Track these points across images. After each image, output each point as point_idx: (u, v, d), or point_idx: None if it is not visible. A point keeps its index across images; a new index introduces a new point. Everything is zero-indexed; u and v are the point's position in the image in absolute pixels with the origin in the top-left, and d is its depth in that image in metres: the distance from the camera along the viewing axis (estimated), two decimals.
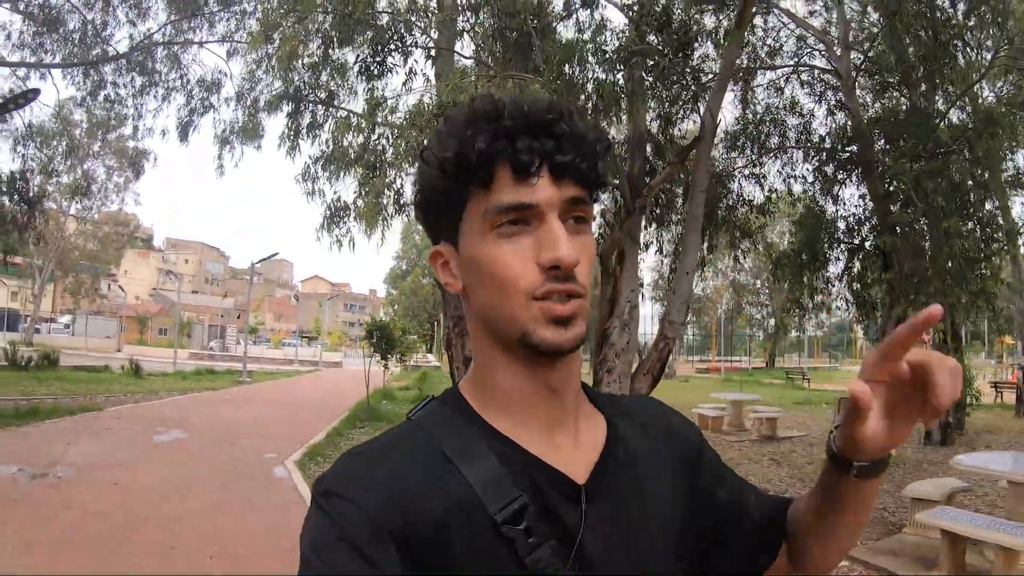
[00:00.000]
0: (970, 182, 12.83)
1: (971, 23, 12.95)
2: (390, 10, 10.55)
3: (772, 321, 56.12)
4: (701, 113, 10.21)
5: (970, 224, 13.15)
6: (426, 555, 0.80)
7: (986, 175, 13.52)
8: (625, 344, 8.92)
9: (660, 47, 9.46)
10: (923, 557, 6.72)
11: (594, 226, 0.96)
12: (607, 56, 9.20)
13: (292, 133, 11.25)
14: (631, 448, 1.00)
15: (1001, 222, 14.92)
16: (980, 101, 14.33)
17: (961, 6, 12.63)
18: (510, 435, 0.91)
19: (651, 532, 0.96)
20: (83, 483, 8.64)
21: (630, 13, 9.61)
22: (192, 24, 16.80)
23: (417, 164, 1.01)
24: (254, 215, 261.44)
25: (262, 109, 13.85)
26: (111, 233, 46.52)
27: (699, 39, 10.54)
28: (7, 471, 8.97)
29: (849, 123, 14.08)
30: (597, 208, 0.97)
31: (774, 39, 14.13)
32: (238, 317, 61.37)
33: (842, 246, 14.40)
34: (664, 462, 1.04)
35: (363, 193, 10.54)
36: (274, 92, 12.08)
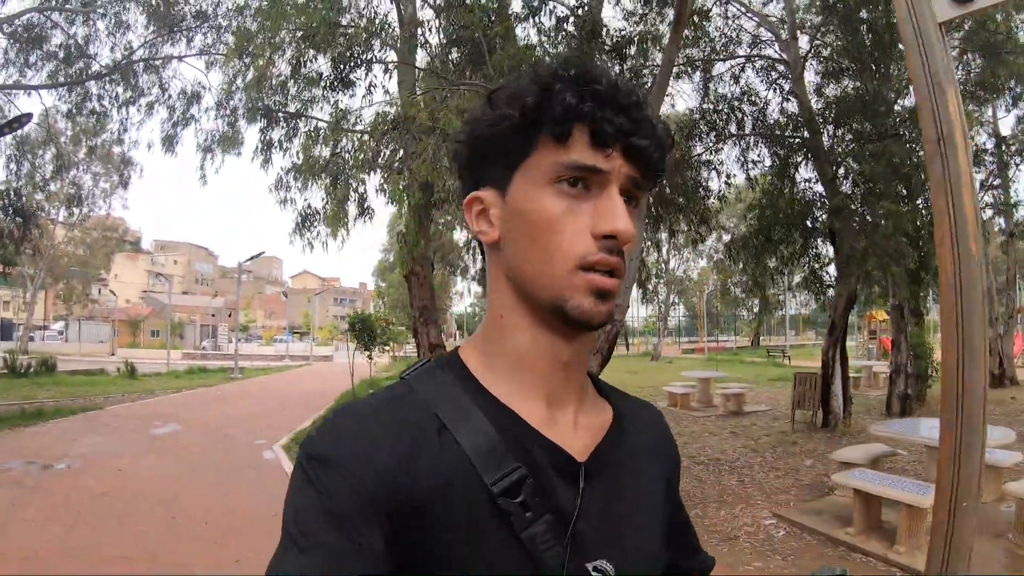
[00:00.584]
0: (908, 163, 13.66)
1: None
2: (351, 28, 11.46)
3: (756, 301, 57.08)
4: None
5: (915, 203, 14.02)
6: (416, 525, 0.79)
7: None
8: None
9: (596, 53, 10.28)
10: (842, 516, 7.34)
11: None
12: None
13: (265, 147, 12.18)
14: (632, 442, 1.01)
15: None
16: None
17: None
18: (509, 403, 0.90)
19: (641, 524, 0.96)
20: (89, 471, 9.61)
21: (563, 25, 10.44)
22: (171, 39, 17.60)
23: (480, 105, 0.96)
24: (242, 213, 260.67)
25: (241, 118, 14.65)
26: (100, 238, 46.94)
27: (632, 44, 11.32)
28: (21, 464, 9.97)
29: (798, 110, 14.94)
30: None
31: (730, 29, 14.96)
32: (229, 315, 62.04)
33: (795, 229, 15.17)
34: (656, 467, 1.05)
35: (329, 200, 11.51)
36: (249, 106, 12.94)
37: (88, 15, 16.98)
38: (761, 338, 62.51)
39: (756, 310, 56.84)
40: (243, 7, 13.79)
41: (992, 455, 7.62)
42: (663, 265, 36.11)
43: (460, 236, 22.48)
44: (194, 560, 6.02)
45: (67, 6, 16.80)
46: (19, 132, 17.96)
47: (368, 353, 18.89)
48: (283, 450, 11.39)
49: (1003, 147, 18.71)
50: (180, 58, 17.61)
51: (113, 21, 17.09)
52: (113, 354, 46.36)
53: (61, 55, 17.08)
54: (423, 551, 0.79)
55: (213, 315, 76.28)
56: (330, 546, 0.75)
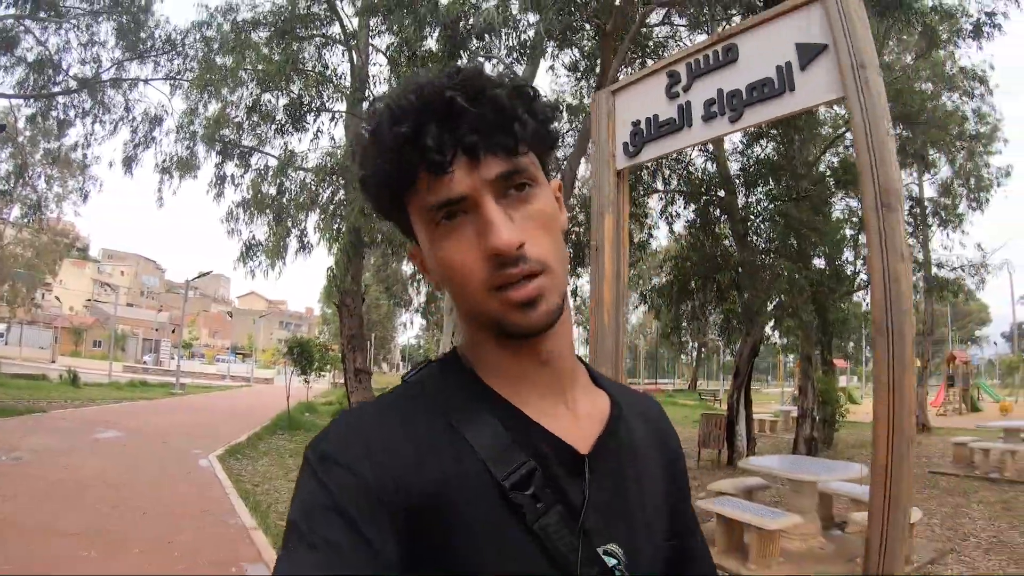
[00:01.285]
0: (808, 225, 15.16)
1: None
2: (304, 75, 12.79)
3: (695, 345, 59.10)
4: (562, 168, 12.57)
5: (809, 262, 15.56)
6: (428, 521, 0.79)
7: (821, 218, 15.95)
8: None
9: None
10: (711, 538, 7.82)
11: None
12: None
13: (218, 180, 13.36)
14: (632, 431, 1.02)
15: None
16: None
17: None
18: (511, 399, 0.92)
19: (646, 514, 0.98)
20: (39, 465, 10.63)
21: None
22: (139, 60, 18.61)
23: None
24: (194, 229, 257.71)
25: (200, 143, 15.60)
26: (49, 242, 46.90)
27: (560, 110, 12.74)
28: None
29: (716, 171, 16.42)
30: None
31: None
32: (173, 331, 62.30)
33: (710, 281, 16.43)
34: (658, 455, 1.06)
35: (271, 234, 12.76)
36: (207, 137, 14.06)
37: (60, 25, 17.93)
38: (699, 382, 64.34)
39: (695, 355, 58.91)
40: (210, 39, 14.95)
41: (846, 488, 8.81)
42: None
43: (407, 268, 23.51)
44: (133, 538, 7.16)
45: (40, 15, 17.73)
46: None
47: (304, 377, 19.67)
48: (217, 460, 12.42)
49: (922, 208, 20.70)
50: (146, 80, 18.59)
51: (85, 36, 18.16)
52: (54, 361, 46.97)
53: (30, 61, 17.95)
54: (437, 546, 0.80)
55: (157, 330, 76.16)
56: (340, 543, 0.75)
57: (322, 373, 20.78)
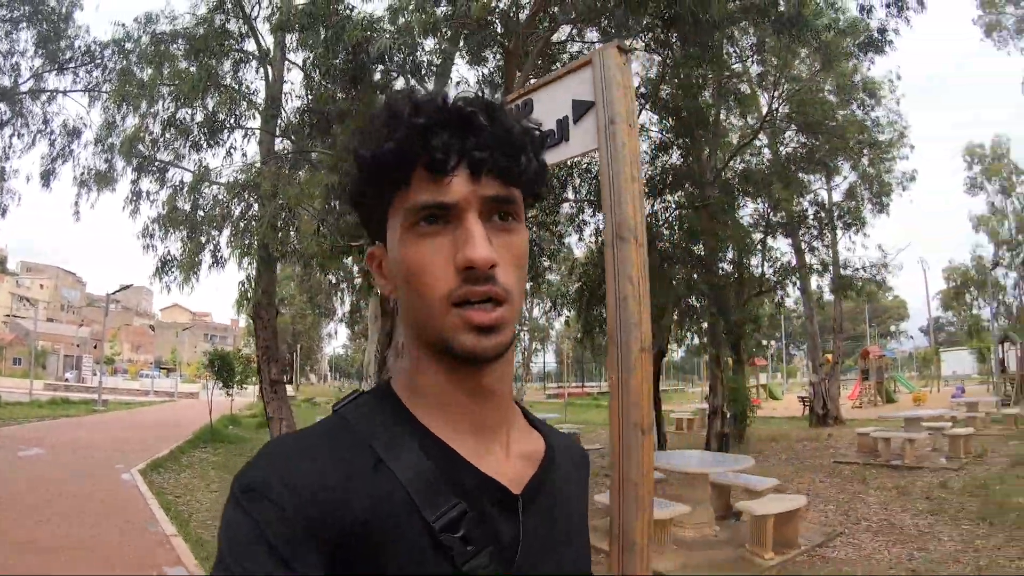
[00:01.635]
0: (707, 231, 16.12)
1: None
2: (217, 96, 13.26)
3: None
4: None
5: (710, 268, 16.53)
6: (355, 554, 0.79)
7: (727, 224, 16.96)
8: (401, 367, 11.69)
9: None
10: (604, 528, 8.98)
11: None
12: None
13: (134, 197, 13.74)
14: (563, 473, 1.02)
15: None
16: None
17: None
18: (442, 435, 0.90)
19: (574, 550, 1.00)
20: None
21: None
22: (59, 71, 18.76)
23: (351, 164, 0.92)
24: (113, 241, 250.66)
25: (117, 156, 15.69)
26: None
27: None
28: None
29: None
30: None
31: None
32: (95, 347, 61.50)
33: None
34: (581, 495, 1.09)
35: (185, 250, 13.18)
36: (124, 150, 14.33)
37: None
38: None
39: None
40: (128, 51, 15.26)
41: (743, 479, 9.63)
42: (525, 314, 38.32)
43: (332, 278, 23.83)
44: (62, 547, 7.60)
45: None
46: None
47: (226, 390, 20.05)
48: (139, 474, 12.82)
49: (829, 213, 22.03)
50: (65, 92, 18.75)
51: (5, 44, 18.34)
52: None
53: None
54: None
55: (78, 345, 74.91)
56: (265, 574, 0.74)
57: (244, 385, 21.02)
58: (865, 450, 15.48)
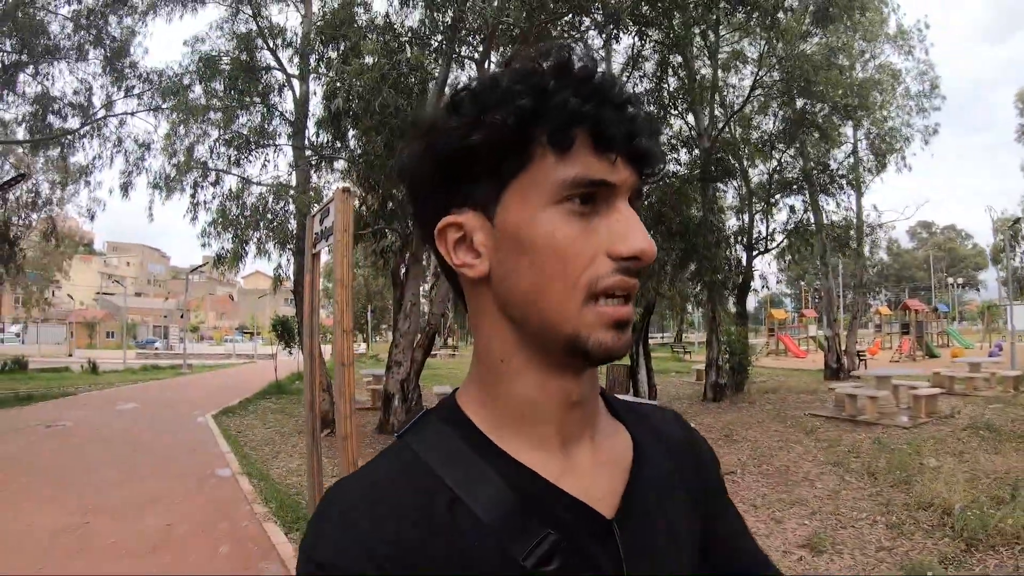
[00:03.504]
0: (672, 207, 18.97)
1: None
2: (250, 119, 17.05)
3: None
4: None
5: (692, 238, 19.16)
6: None
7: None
8: (407, 328, 15.11)
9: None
10: None
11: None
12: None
13: (193, 207, 17.48)
14: (658, 469, 0.94)
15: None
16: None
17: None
18: (523, 458, 0.82)
19: (679, 566, 0.90)
20: (77, 429, 14.98)
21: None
22: (125, 97, 22.40)
23: (441, 112, 0.82)
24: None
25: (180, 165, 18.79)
26: (48, 234, 50.06)
27: None
28: (34, 424, 15.38)
29: None
30: None
31: None
32: (181, 317, 66.79)
33: None
34: (686, 486, 0.97)
35: (235, 244, 16.88)
36: (183, 164, 17.90)
37: (53, 63, 21.69)
38: (684, 335, 68.43)
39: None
40: (181, 78, 18.85)
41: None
42: None
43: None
44: (147, 465, 11.41)
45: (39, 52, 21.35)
46: None
47: (289, 350, 23.46)
48: (211, 418, 16.72)
49: (830, 174, 23.42)
50: (132, 113, 22.30)
51: (78, 72, 22.11)
52: (71, 355, 50.87)
53: (32, 99, 21.88)
54: None
55: (165, 316, 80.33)
56: None
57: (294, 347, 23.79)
58: (840, 404, 15.97)
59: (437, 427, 0.86)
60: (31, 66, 21.72)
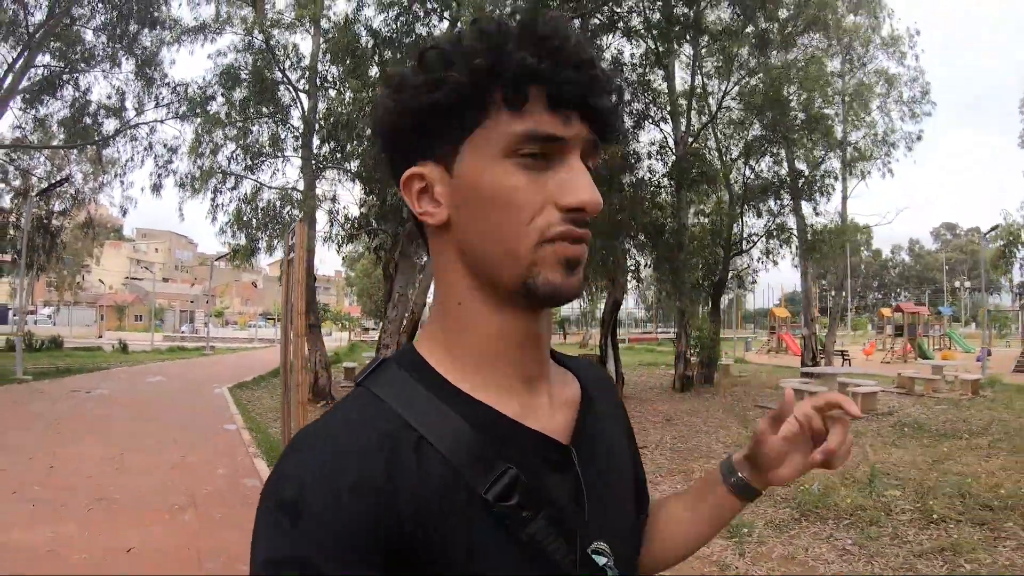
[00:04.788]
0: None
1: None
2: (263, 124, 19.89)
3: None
4: None
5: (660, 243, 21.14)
6: (409, 553, 0.76)
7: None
8: (394, 315, 17.74)
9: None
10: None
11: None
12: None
13: (213, 209, 20.01)
14: (599, 408, 1.03)
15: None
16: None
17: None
18: (483, 398, 0.88)
19: (623, 490, 1.03)
20: (113, 396, 17.94)
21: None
22: (155, 107, 25.13)
23: (409, 68, 0.88)
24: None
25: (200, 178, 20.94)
26: (90, 231, 53.20)
27: None
28: (75, 391, 18.38)
29: None
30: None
31: None
32: (207, 302, 70.00)
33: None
34: (619, 425, 1.10)
35: (245, 244, 19.67)
36: (206, 169, 20.39)
37: (89, 70, 24.61)
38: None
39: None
40: (208, 98, 21.39)
41: None
42: None
43: None
44: (171, 420, 14.22)
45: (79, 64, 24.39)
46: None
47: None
48: (227, 390, 19.62)
49: (808, 181, 24.90)
50: (162, 121, 24.92)
51: (113, 81, 25.12)
52: (100, 336, 54.72)
53: (73, 105, 24.78)
54: None
55: (192, 301, 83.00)
56: None
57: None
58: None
59: (396, 372, 0.88)
60: (69, 73, 24.68)
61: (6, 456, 9.94)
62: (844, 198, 30.99)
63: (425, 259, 18.59)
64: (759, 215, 25.57)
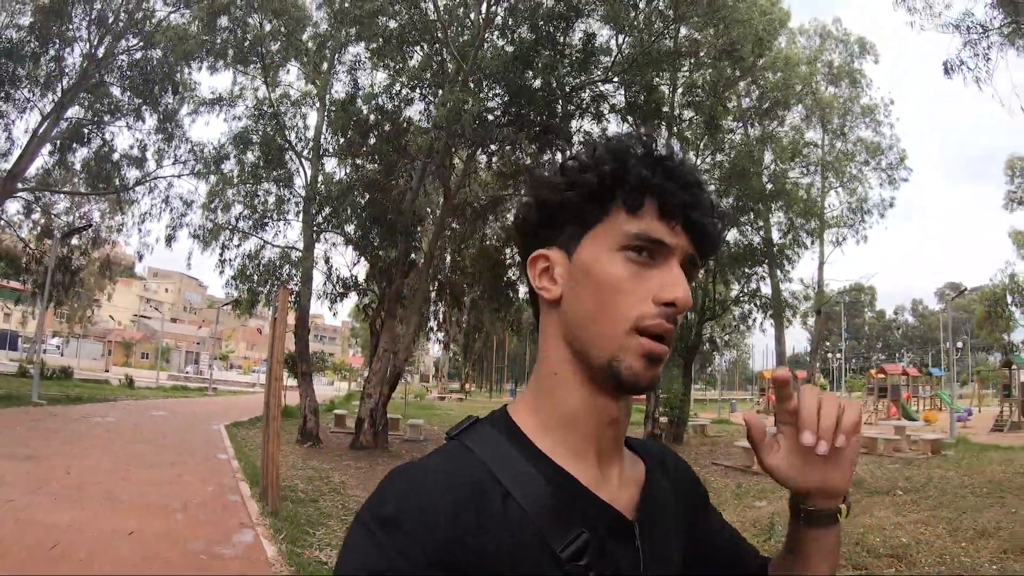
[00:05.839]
0: None
1: None
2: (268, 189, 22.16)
3: None
4: (426, 249, 21.27)
5: None
6: None
7: None
8: (378, 368, 19.71)
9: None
10: None
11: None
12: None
13: (220, 263, 22.12)
14: (662, 488, 1.10)
15: None
16: None
17: None
18: (561, 462, 0.95)
19: (676, 567, 1.07)
20: (120, 423, 20.05)
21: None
22: (173, 163, 27.42)
23: (551, 172, 1.03)
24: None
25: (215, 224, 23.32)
26: (103, 268, 55.15)
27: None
28: (85, 417, 20.43)
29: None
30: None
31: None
32: (213, 345, 71.84)
33: None
34: (678, 505, 1.14)
35: (247, 297, 21.89)
36: (214, 227, 22.67)
37: (113, 121, 27.03)
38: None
39: None
40: (222, 158, 23.47)
41: None
42: None
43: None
44: (172, 451, 16.22)
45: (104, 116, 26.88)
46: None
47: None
48: (223, 426, 21.62)
49: (771, 252, 27.20)
50: (179, 176, 27.30)
51: (135, 133, 27.45)
52: (107, 371, 56.31)
53: (96, 155, 27.09)
54: None
55: (198, 343, 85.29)
56: None
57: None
58: (745, 456, 17.55)
59: (487, 430, 0.98)
60: (96, 125, 27.11)
61: (31, 462, 11.96)
62: (821, 264, 32.86)
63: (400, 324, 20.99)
64: (736, 282, 27.59)
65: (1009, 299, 43.73)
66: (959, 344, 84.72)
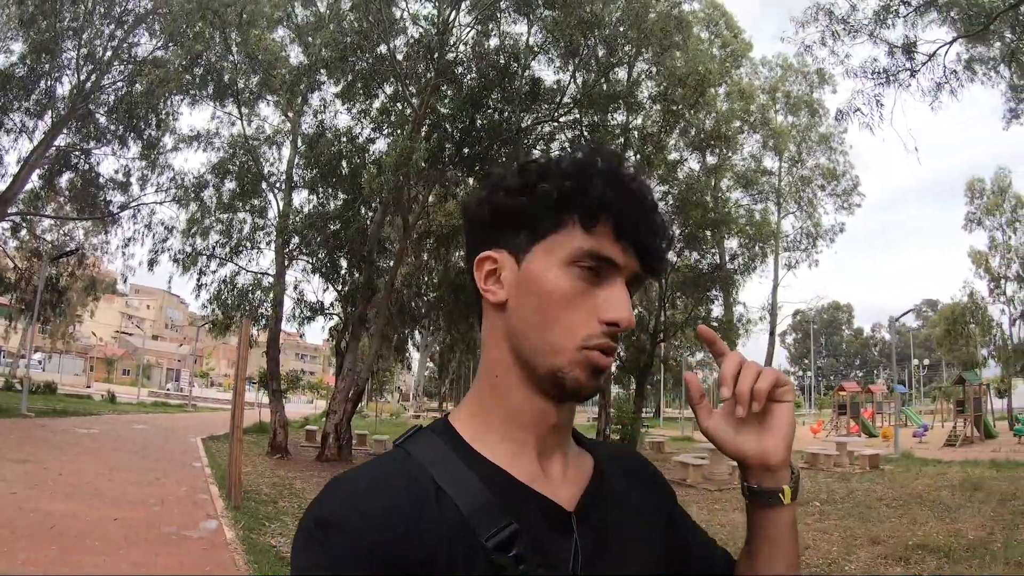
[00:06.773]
0: None
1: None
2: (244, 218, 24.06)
3: None
4: (387, 279, 22.87)
5: None
6: None
7: None
8: (343, 386, 21.46)
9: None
10: None
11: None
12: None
13: (197, 287, 24.05)
14: (614, 486, 1.10)
15: None
16: None
17: None
18: (500, 462, 0.98)
19: (635, 563, 1.05)
20: (104, 435, 21.75)
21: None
22: (155, 191, 29.08)
23: (510, 173, 1.04)
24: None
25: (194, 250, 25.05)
26: (88, 285, 55.88)
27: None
28: (68, 430, 22.10)
29: None
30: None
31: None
32: (194, 362, 72.68)
33: None
34: (643, 507, 1.14)
35: (221, 318, 23.75)
36: (193, 253, 24.45)
37: (98, 147, 28.65)
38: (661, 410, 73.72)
39: None
40: (202, 186, 25.38)
41: None
42: None
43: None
44: (153, 460, 18.00)
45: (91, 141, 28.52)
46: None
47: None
48: (200, 439, 23.36)
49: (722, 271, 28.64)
50: (161, 203, 28.93)
51: (120, 161, 29.25)
52: (89, 387, 57.73)
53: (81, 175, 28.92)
54: None
55: (179, 360, 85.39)
56: None
57: (287, 396, 29.54)
58: (682, 471, 18.42)
59: (429, 437, 1.01)
60: (82, 151, 28.88)
61: (28, 464, 13.74)
62: (775, 286, 35.28)
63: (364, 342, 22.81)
64: (688, 305, 29.07)
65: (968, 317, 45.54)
66: (926, 361, 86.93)
